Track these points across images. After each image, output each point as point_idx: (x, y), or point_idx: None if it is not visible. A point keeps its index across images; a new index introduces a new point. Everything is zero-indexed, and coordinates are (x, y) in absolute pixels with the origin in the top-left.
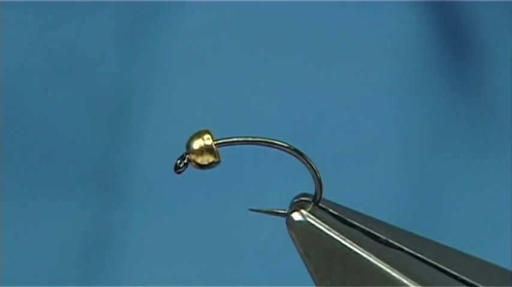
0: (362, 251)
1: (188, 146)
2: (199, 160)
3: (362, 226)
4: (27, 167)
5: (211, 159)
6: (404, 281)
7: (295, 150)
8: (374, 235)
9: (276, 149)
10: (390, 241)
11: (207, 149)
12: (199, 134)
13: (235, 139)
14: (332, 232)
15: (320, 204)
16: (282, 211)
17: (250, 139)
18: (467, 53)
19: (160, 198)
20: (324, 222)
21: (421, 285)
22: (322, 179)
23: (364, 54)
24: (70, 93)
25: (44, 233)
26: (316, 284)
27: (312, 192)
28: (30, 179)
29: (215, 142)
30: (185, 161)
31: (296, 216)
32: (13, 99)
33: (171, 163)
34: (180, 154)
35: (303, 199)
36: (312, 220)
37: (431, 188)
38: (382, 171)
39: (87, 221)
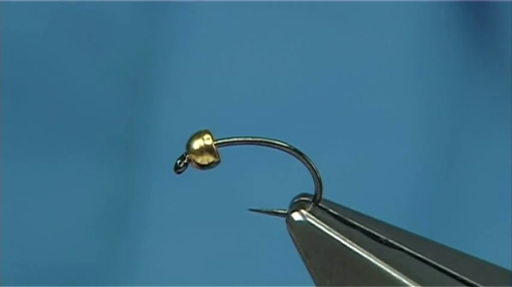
0: (362, 251)
1: (188, 146)
2: (199, 160)
3: (362, 226)
4: (48, 131)
5: (211, 159)
6: (404, 281)
7: (295, 150)
8: (374, 235)
9: (276, 149)
10: (390, 241)
11: (207, 149)
12: (199, 134)
13: (235, 139)
14: (332, 232)
15: (320, 204)
16: (282, 211)
17: (250, 139)
18: (488, 21)
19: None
20: (324, 222)
21: (421, 285)
22: (322, 179)
23: (381, 28)
24: (94, 58)
25: (65, 197)
26: (316, 284)
27: (312, 192)
28: (51, 144)
29: (215, 142)
30: (185, 161)
31: (296, 216)
32: (37, 62)
33: (190, 129)
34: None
35: (303, 199)
36: (312, 220)
37: (456, 168)
38: (406, 148)
39: (108, 186)
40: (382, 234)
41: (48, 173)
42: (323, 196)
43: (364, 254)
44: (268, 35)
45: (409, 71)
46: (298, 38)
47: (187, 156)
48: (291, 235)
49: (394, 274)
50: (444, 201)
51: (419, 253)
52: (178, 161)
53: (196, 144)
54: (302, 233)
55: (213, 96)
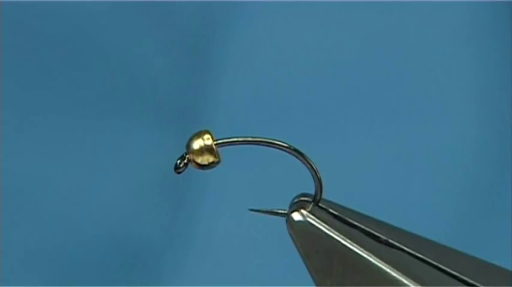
0: (362, 251)
1: (188, 146)
2: (199, 160)
3: (362, 226)
4: (110, 102)
5: (211, 159)
6: (404, 281)
7: (295, 150)
8: (374, 235)
9: (276, 149)
10: (390, 241)
11: (207, 149)
12: (199, 134)
13: (235, 139)
14: (332, 232)
15: (320, 204)
16: (282, 211)
17: (250, 139)
18: None
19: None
20: (324, 222)
21: (421, 285)
22: (322, 179)
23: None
24: (155, 33)
25: (123, 170)
26: (316, 284)
27: (312, 192)
28: (112, 114)
29: (215, 142)
30: (185, 161)
31: (296, 216)
32: (102, 35)
33: (248, 103)
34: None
35: (303, 199)
36: (312, 220)
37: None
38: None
39: (165, 156)
40: (382, 234)
41: (109, 142)
42: (323, 196)
43: (364, 254)
44: (323, 30)
45: (464, 66)
46: (352, 36)
47: (187, 156)
48: (291, 235)
49: (394, 274)
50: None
51: (419, 253)
52: (178, 161)
53: (197, 144)
54: (302, 233)
55: (273, 70)
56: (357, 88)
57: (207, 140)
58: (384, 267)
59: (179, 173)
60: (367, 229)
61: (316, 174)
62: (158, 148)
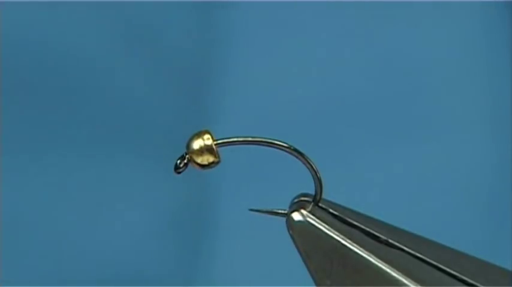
0: (362, 251)
1: (188, 146)
2: (199, 160)
3: (362, 226)
4: (104, 134)
5: (211, 159)
6: (404, 281)
7: (295, 150)
8: (374, 235)
9: (276, 149)
10: (390, 241)
11: (207, 149)
12: (199, 134)
13: (235, 139)
14: (332, 232)
15: (320, 204)
16: (282, 211)
17: (250, 139)
18: None
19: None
20: (324, 222)
21: (421, 285)
22: (322, 179)
23: None
24: (150, 60)
25: (124, 200)
26: (316, 284)
27: (312, 192)
28: (108, 146)
29: (215, 142)
30: (185, 161)
31: (296, 216)
32: (91, 65)
33: (246, 128)
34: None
35: (303, 199)
36: (312, 220)
37: None
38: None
39: (165, 187)
40: (382, 234)
41: (104, 175)
42: (323, 196)
43: (364, 254)
44: (323, 33)
45: (472, 71)
46: (353, 37)
47: (187, 156)
48: (291, 235)
49: (394, 274)
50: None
51: (419, 253)
52: (178, 161)
53: (197, 144)
54: (302, 233)
55: (271, 98)
56: (364, 94)
57: (207, 140)
58: (383, 267)
59: (179, 173)
60: (367, 229)
61: (316, 174)
62: (161, 181)
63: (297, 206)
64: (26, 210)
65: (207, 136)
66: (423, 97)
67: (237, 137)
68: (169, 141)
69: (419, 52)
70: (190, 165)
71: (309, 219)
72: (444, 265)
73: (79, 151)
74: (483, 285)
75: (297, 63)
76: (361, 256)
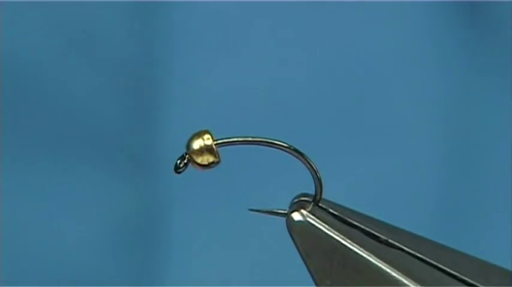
0: (362, 251)
1: (188, 146)
2: (199, 160)
3: (362, 226)
4: (53, 141)
5: (211, 159)
6: (404, 281)
7: (295, 150)
8: (374, 235)
9: (276, 149)
10: (390, 241)
11: (207, 149)
12: (199, 134)
13: (235, 139)
14: (332, 232)
15: (320, 204)
16: (282, 211)
17: (250, 139)
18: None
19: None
20: (324, 222)
21: (421, 285)
22: (322, 179)
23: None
24: (94, 63)
25: (75, 209)
26: (316, 284)
27: (312, 192)
28: (58, 154)
29: (215, 142)
30: (185, 161)
31: (296, 216)
32: (36, 70)
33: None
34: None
35: (303, 199)
36: (312, 220)
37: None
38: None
39: (117, 194)
40: (382, 234)
41: (53, 185)
42: (323, 196)
43: (364, 254)
44: (269, 34)
45: (418, 72)
46: (304, 37)
47: (187, 156)
48: (291, 235)
49: (394, 274)
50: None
51: (419, 253)
52: (178, 161)
53: (197, 144)
54: (302, 233)
55: (217, 98)
56: (301, 107)
57: (207, 140)
58: (383, 267)
59: (179, 173)
60: (367, 229)
61: (316, 174)
62: (107, 186)
63: (297, 206)
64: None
65: (207, 136)
66: (375, 104)
67: (237, 137)
68: (119, 145)
69: (367, 52)
70: (190, 165)
71: (309, 219)
72: (444, 265)
73: (25, 159)
74: (483, 285)
75: (241, 61)
76: (361, 256)
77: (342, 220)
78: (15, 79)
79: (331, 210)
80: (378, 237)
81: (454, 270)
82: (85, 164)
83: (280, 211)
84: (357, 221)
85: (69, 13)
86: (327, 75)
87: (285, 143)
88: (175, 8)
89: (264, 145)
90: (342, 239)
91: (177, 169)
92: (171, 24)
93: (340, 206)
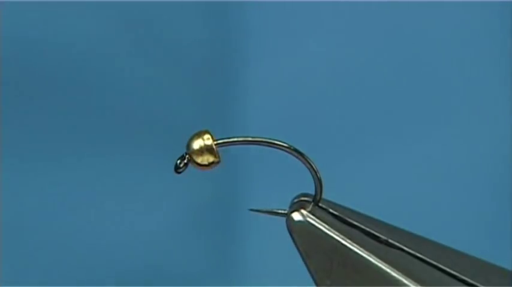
0: (362, 251)
1: (188, 146)
2: (199, 160)
3: (362, 226)
4: (120, 135)
5: (211, 159)
6: (404, 281)
7: (295, 150)
8: (374, 235)
9: (276, 149)
10: (390, 241)
11: (207, 149)
12: (199, 134)
13: (235, 139)
14: (332, 232)
15: (320, 204)
16: (282, 211)
17: (250, 139)
18: None
19: None
20: (324, 222)
21: (421, 285)
22: (322, 179)
23: None
24: (163, 61)
25: (136, 201)
26: (316, 284)
27: (312, 192)
28: (123, 148)
29: (215, 142)
30: (185, 161)
31: (296, 216)
32: (104, 68)
33: (266, 128)
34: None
35: (303, 199)
36: (312, 220)
37: None
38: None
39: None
40: (382, 234)
41: (119, 178)
42: (323, 196)
43: (364, 254)
44: (333, 32)
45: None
46: (364, 36)
47: (187, 156)
48: (291, 235)
49: (394, 274)
50: None
51: (419, 253)
52: (178, 161)
53: (197, 144)
54: (302, 233)
55: (288, 94)
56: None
57: (207, 140)
58: (383, 267)
59: (179, 173)
60: (367, 229)
61: (316, 174)
62: (171, 181)
63: (297, 206)
64: (27, 210)
65: (207, 136)
66: (417, 94)
67: (237, 137)
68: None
69: (413, 49)
70: (190, 165)
71: (309, 219)
72: (444, 265)
73: (85, 151)
74: (483, 285)
75: (307, 62)
76: (361, 256)
77: (342, 220)
78: (76, 75)
79: (331, 210)
80: (378, 237)
81: (454, 270)
82: (161, 159)
83: (280, 211)
84: (357, 221)
85: (137, 12)
86: (389, 73)
87: (285, 143)
88: (244, 7)
89: (264, 145)
90: (342, 239)
91: (177, 169)
92: (241, 25)
93: (340, 206)
